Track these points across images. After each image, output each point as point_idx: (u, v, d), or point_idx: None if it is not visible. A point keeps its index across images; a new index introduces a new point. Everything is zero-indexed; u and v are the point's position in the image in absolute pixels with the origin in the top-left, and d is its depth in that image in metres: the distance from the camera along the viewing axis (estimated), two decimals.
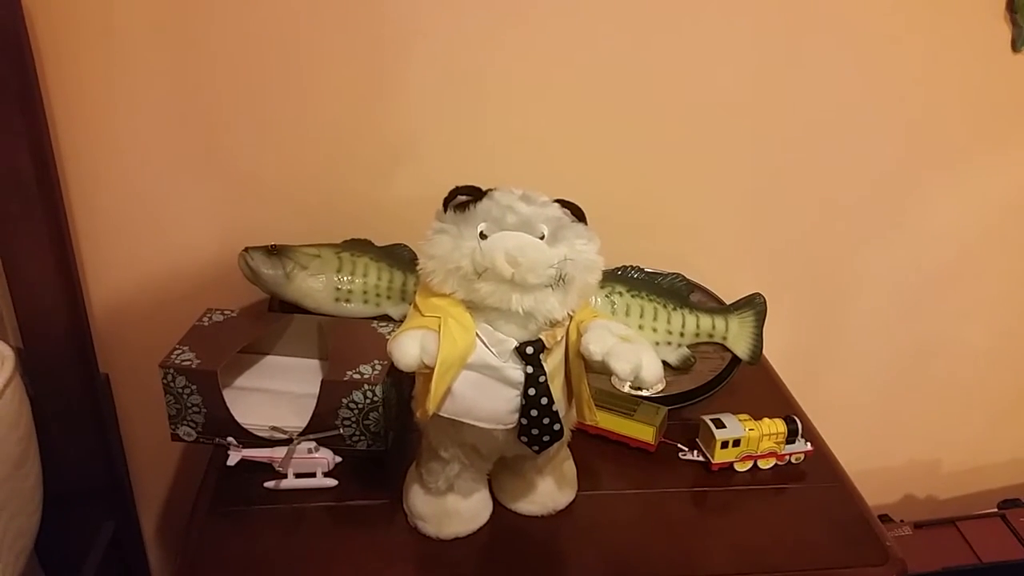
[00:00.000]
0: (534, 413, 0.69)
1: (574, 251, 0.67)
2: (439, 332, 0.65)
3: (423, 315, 0.67)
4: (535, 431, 0.70)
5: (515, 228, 0.66)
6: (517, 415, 0.69)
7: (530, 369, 0.68)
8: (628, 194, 1.10)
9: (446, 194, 0.69)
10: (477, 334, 0.67)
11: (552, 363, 0.69)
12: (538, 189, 0.71)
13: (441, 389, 0.66)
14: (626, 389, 0.96)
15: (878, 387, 1.31)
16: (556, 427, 0.70)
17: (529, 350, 0.67)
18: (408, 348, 0.65)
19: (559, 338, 0.69)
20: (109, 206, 1.02)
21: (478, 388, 0.68)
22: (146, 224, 1.04)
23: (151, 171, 1.01)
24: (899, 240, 1.20)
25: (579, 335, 0.69)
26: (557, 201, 0.70)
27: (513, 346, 0.67)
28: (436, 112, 1.02)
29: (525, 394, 0.68)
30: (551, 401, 0.69)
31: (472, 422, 0.69)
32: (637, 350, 0.66)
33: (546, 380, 0.68)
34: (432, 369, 0.65)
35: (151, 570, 1.26)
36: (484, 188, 0.70)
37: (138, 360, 1.09)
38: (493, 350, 0.67)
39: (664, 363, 0.98)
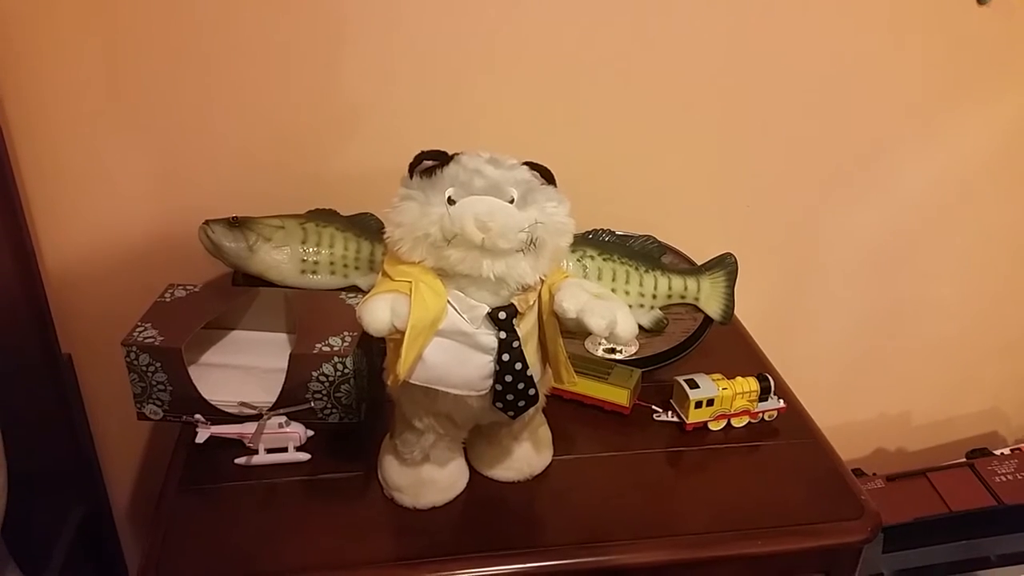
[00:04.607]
0: (509, 379, 0.68)
1: (544, 214, 0.66)
2: (410, 296, 0.64)
3: (393, 280, 0.66)
4: (510, 397, 0.69)
5: (483, 192, 0.65)
6: (490, 381, 0.68)
7: (503, 334, 0.67)
8: (598, 158, 1.09)
9: (411, 159, 0.68)
10: (448, 300, 0.66)
11: (525, 327, 0.69)
12: (506, 155, 0.70)
13: (412, 354, 0.65)
14: (600, 352, 0.96)
15: (848, 344, 1.32)
16: (531, 392, 0.70)
17: (502, 315, 0.66)
18: (378, 312, 0.64)
19: (531, 302, 0.69)
20: (63, 183, 0.99)
21: (450, 355, 0.67)
22: (102, 200, 1.01)
23: (106, 146, 0.98)
24: (868, 199, 1.20)
25: (552, 296, 0.68)
26: (526, 164, 0.69)
27: (485, 312, 0.66)
28: (400, 76, 1.00)
29: (499, 360, 0.67)
30: (525, 366, 0.68)
31: (445, 389, 0.68)
32: (611, 306, 0.66)
33: (520, 345, 0.68)
34: (403, 334, 0.64)
35: (123, 551, 1.24)
36: (450, 152, 0.68)
37: (100, 339, 1.06)
38: (465, 316, 0.66)
39: (637, 325, 0.98)
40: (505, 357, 0.67)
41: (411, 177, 0.67)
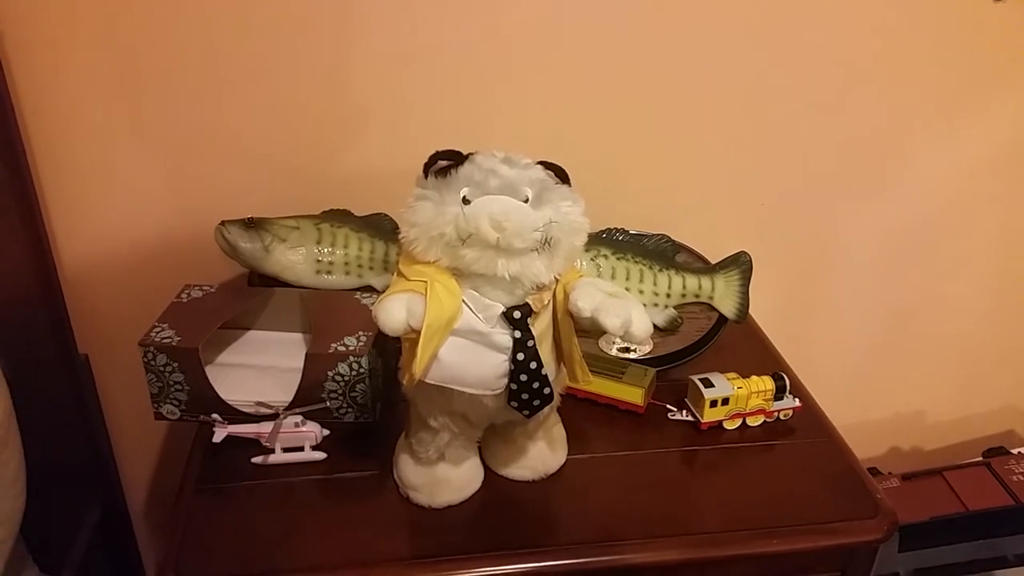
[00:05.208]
0: (524, 378, 0.68)
1: (559, 213, 0.66)
2: (426, 295, 0.64)
3: (409, 280, 0.66)
4: (525, 396, 0.69)
5: (498, 192, 0.65)
6: (505, 380, 0.69)
7: (518, 334, 0.67)
8: (611, 157, 1.09)
9: (426, 159, 0.68)
10: (464, 300, 0.66)
11: (540, 327, 0.69)
12: (520, 155, 0.70)
13: (428, 353, 0.65)
14: (614, 351, 0.95)
15: (863, 342, 1.31)
16: (546, 391, 0.70)
17: (517, 315, 0.67)
18: (394, 311, 0.64)
19: (546, 302, 0.69)
20: (80, 185, 1.00)
21: (465, 354, 0.67)
22: (118, 202, 1.02)
23: (121, 148, 0.99)
24: (881, 197, 1.19)
25: (566, 295, 0.68)
26: (540, 163, 0.69)
27: (500, 311, 0.66)
28: (413, 76, 1.00)
29: (514, 359, 0.68)
30: (540, 365, 0.68)
31: (460, 388, 0.69)
32: (626, 305, 0.66)
33: (535, 344, 0.68)
34: (419, 333, 0.64)
35: (141, 550, 1.25)
36: (465, 152, 0.68)
37: (117, 340, 1.07)
38: (480, 315, 0.66)
39: (652, 324, 0.98)
40: (520, 356, 0.68)
41: (426, 177, 0.68)
